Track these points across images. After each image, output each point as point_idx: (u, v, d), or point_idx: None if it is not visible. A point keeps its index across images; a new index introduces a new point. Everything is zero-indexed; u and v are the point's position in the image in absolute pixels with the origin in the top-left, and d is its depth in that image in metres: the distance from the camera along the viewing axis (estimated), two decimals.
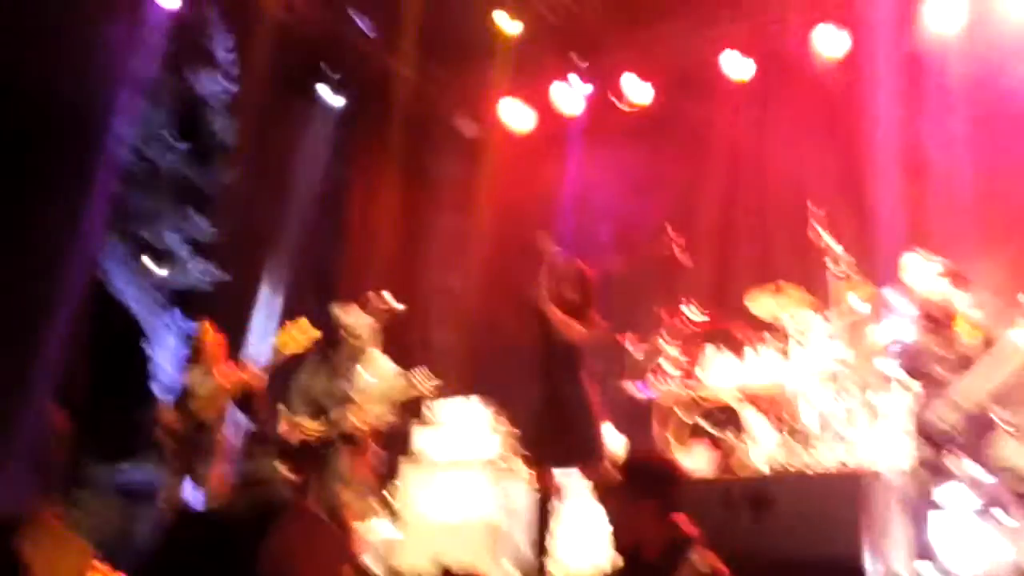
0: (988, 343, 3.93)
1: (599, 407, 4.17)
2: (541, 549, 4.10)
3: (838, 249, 5.27)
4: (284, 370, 5.26)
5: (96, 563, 3.57)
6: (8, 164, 6.54)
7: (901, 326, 4.19)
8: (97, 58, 7.04)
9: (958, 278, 4.04)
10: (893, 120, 6.08)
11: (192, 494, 5.08)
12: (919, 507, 4.48)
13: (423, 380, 4.73)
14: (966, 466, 3.92)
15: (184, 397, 5.21)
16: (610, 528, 2.64)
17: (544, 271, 4.31)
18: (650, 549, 2.41)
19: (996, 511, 4.18)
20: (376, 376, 4.73)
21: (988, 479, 3.98)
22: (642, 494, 2.46)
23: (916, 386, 4.12)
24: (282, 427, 4.75)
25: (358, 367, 4.75)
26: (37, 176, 6.87)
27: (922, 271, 4.06)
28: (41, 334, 6.58)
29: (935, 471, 4.01)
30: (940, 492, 4.06)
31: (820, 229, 5.30)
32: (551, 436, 4.01)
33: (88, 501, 5.91)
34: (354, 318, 4.86)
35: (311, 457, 4.64)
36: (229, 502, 5.42)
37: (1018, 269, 4.37)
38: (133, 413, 5.66)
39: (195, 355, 5.31)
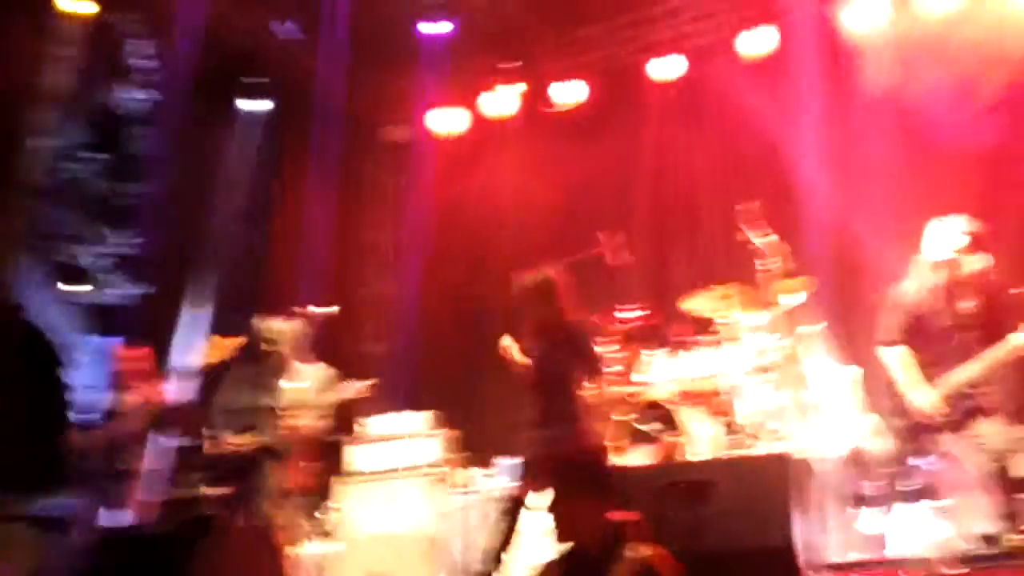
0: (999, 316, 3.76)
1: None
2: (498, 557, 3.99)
3: (769, 244, 5.28)
4: (208, 385, 5.18)
5: None
6: None
7: (911, 288, 3.94)
8: (9, 71, 6.75)
9: (981, 243, 3.87)
10: (817, 115, 6.18)
11: (111, 519, 4.85)
12: (855, 496, 4.53)
13: (352, 385, 4.68)
14: (943, 444, 3.79)
15: (100, 419, 5.04)
16: (550, 524, 2.50)
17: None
18: (588, 543, 2.40)
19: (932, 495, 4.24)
20: (301, 384, 4.61)
21: (930, 467, 3.95)
22: (577, 490, 2.41)
23: (902, 350, 3.90)
24: (207, 444, 4.63)
25: (281, 378, 4.62)
26: None
27: (943, 233, 3.89)
28: None
29: (896, 453, 3.91)
30: (877, 480, 4.05)
31: (746, 227, 5.31)
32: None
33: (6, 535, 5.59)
34: (274, 327, 4.76)
35: (237, 473, 4.52)
36: (155, 522, 5.22)
37: None
38: (48, 442, 5.36)
39: (112, 376, 5.19)
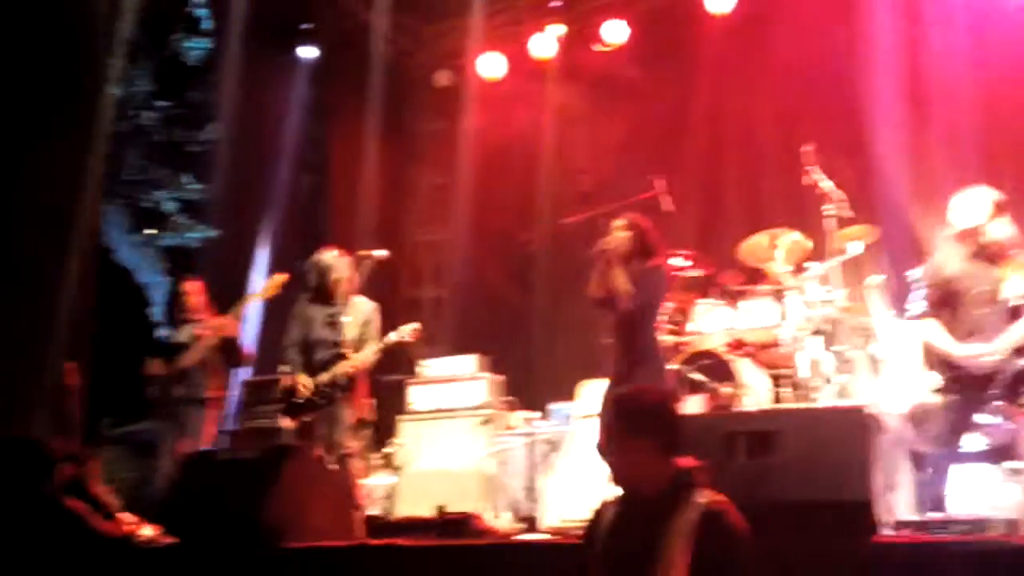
0: None
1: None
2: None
3: (833, 189, 4.71)
4: (272, 321, 5.06)
5: (124, 515, 3.41)
6: (6, 125, 6.11)
7: (941, 260, 3.65)
8: (82, 22, 6.52)
9: (1008, 210, 3.54)
10: (889, 49, 5.45)
11: (191, 446, 4.83)
12: (921, 455, 4.06)
13: (406, 330, 4.52)
14: (992, 417, 3.43)
15: (171, 351, 5.06)
16: (608, 467, 2.24)
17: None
18: (650, 486, 2.11)
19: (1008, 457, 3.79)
20: (360, 319, 4.49)
21: (1007, 423, 3.51)
22: (639, 431, 2.13)
23: (935, 321, 3.57)
24: (283, 380, 4.52)
25: (340, 312, 4.48)
26: (35, 139, 6.37)
27: (976, 205, 3.57)
28: (50, 295, 6.22)
29: (956, 411, 3.52)
30: (949, 437, 3.57)
31: (813, 169, 4.74)
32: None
33: (103, 454, 5.62)
34: (335, 261, 4.58)
35: (310, 407, 4.42)
36: (234, 450, 5.17)
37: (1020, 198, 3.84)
38: (136, 373, 5.28)
39: (179, 310, 5.18)
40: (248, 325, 6.37)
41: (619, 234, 3.89)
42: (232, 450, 4.85)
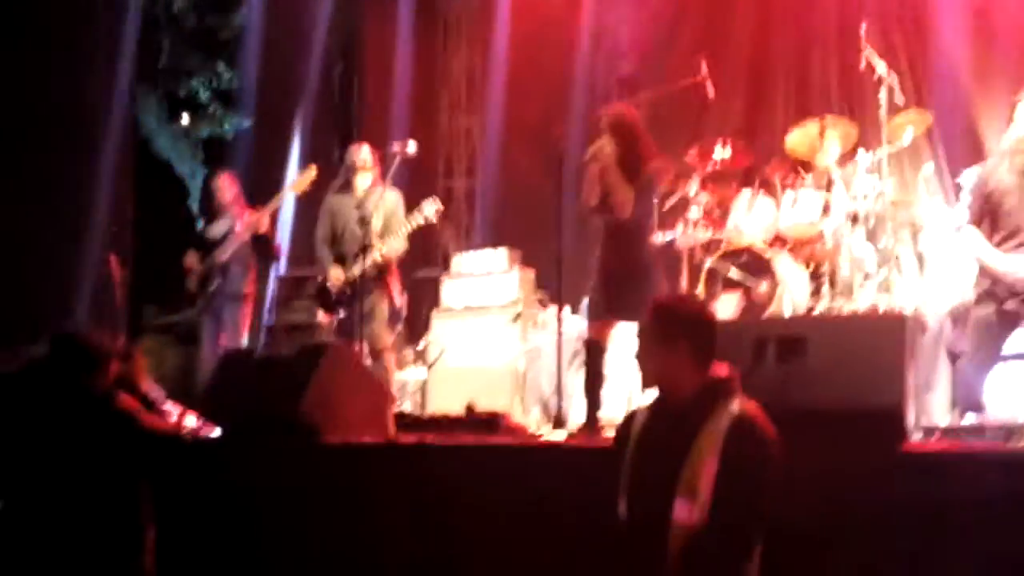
0: None
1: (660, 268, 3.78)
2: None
3: (887, 73, 4.33)
4: (310, 215, 4.97)
5: (170, 405, 3.46)
6: (37, 19, 5.96)
7: (989, 170, 3.39)
8: None
9: None
10: None
11: (230, 339, 4.95)
12: (960, 356, 3.93)
13: (429, 209, 4.43)
14: None
15: (208, 245, 5.04)
16: (639, 370, 2.20)
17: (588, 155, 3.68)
18: (682, 392, 2.09)
19: None
20: (385, 210, 4.43)
21: None
22: (673, 335, 2.09)
23: (977, 231, 3.37)
24: (318, 273, 4.53)
25: (370, 203, 4.39)
26: (64, 30, 6.23)
27: None
28: (88, 186, 6.27)
29: (990, 324, 3.36)
30: (985, 340, 3.42)
31: (870, 52, 4.34)
32: (617, 290, 3.61)
33: (146, 343, 5.80)
34: (361, 154, 4.50)
35: (344, 301, 4.42)
36: (271, 347, 5.29)
37: None
38: (176, 262, 5.37)
39: (212, 204, 5.15)
40: (282, 220, 6.38)
41: (609, 138, 3.65)
42: (269, 348, 4.93)
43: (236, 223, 4.94)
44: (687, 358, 2.06)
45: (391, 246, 4.36)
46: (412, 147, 4.43)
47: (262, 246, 4.98)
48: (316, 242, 4.56)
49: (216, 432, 3.39)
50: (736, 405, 2.02)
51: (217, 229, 5.04)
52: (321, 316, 4.55)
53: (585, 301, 5.08)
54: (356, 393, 3.36)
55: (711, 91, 4.93)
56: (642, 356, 2.14)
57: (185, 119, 9.26)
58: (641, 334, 2.18)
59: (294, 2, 6.96)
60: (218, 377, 3.57)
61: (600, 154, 3.62)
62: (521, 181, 6.44)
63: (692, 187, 4.84)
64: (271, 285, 6.25)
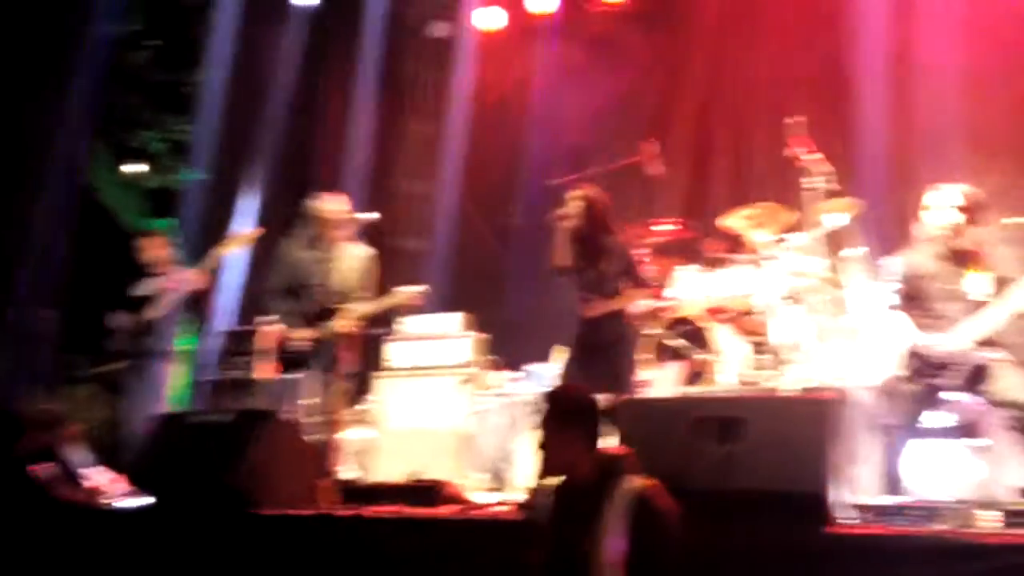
0: (1001, 285, 3.40)
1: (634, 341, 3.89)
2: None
3: (819, 162, 4.60)
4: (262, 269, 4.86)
5: (99, 473, 3.26)
6: None
7: (912, 258, 3.61)
8: None
9: (979, 211, 3.42)
10: (878, 26, 5.27)
11: (157, 399, 4.74)
12: (890, 430, 4.07)
13: (414, 291, 4.30)
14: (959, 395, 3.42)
15: (137, 303, 4.85)
16: (540, 460, 2.32)
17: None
18: (581, 475, 2.21)
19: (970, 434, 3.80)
20: (357, 266, 4.20)
21: (967, 402, 3.50)
22: (568, 423, 2.24)
23: (903, 314, 3.56)
24: (267, 330, 4.28)
25: (338, 258, 4.20)
26: (18, 76, 6.16)
27: (944, 203, 3.49)
28: (28, 235, 6.10)
29: (917, 397, 3.53)
30: (913, 415, 3.57)
31: (795, 143, 4.63)
32: (589, 360, 3.77)
33: (76, 393, 5.58)
34: (332, 206, 4.27)
35: (300, 362, 4.18)
36: (211, 408, 5.13)
37: (1006, 180, 3.76)
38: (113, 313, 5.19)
39: (145, 261, 4.94)
40: (227, 274, 6.29)
41: (575, 205, 3.79)
42: (205, 412, 4.73)
43: (165, 281, 4.80)
44: (582, 442, 2.20)
45: (361, 311, 4.14)
46: (373, 216, 4.41)
47: (195, 304, 4.86)
48: (266, 293, 4.32)
49: (146, 500, 3.27)
50: (633, 482, 2.12)
51: (146, 287, 4.90)
52: (261, 372, 4.39)
53: (533, 366, 5.17)
54: (294, 462, 3.29)
55: (655, 170, 5.14)
56: (543, 445, 2.24)
57: (134, 168, 9.17)
58: (542, 424, 2.26)
59: (256, 60, 7.04)
60: (151, 442, 3.46)
61: (566, 217, 3.76)
62: (473, 247, 6.54)
63: (640, 255, 5.00)
64: (211, 340, 6.12)
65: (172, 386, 4.86)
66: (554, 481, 2.28)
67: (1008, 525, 2.68)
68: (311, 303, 4.15)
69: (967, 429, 3.80)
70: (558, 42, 6.45)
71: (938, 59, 5.21)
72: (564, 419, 2.23)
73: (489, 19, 6.61)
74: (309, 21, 7.03)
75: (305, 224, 4.26)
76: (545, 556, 2.16)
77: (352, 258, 4.17)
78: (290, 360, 4.18)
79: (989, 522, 2.77)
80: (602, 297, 3.77)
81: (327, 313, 4.10)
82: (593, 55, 6.42)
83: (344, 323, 4.08)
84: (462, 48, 6.82)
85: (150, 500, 3.25)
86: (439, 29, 6.93)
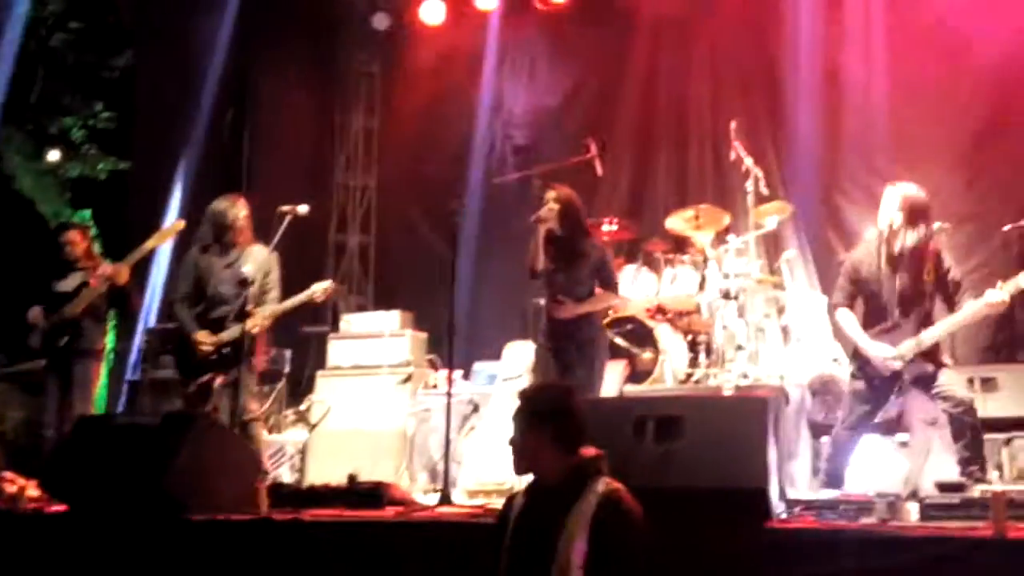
0: (942, 280, 3.52)
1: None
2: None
3: (752, 166, 4.74)
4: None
5: (7, 473, 3.15)
6: None
7: (859, 258, 3.67)
8: None
9: (918, 213, 3.53)
10: (814, 38, 5.46)
11: (78, 398, 4.48)
12: (822, 427, 4.21)
13: (318, 288, 4.14)
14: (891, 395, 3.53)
15: (57, 299, 4.57)
16: (512, 455, 2.27)
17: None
18: (551, 475, 2.18)
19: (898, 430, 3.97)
20: (261, 269, 4.06)
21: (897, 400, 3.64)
22: (539, 421, 2.20)
23: (848, 314, 3.64)
24: (190, 335, 4.08)
25: (242, 261, 4.07)
26: None
27: (892, 204, 3.56)
28: None
29: (862, 401, 3.62)
30: (854, 422, 3.69)
31: (738, 147, 4.75)
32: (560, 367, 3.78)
33: None
34: (233, 207, 4.15)
35: (209, 367, 4.02)
36: (133, 410, 4.89)
37: (929, 184, 3.92)
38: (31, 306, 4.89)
39: (65, 256, 4.63)
40: (155, 270, 6.04)
41: (550, 208, 3.83)
42: (130, 414, 4.54)
43: (88, 277, 4.53)
44: (552, 443, 2.16)
45: (266, 313, 4.04)
46: (304, 209, 4.27)
47: (121, 300, 4.59)
48: (175, 301, 4.21)
49: (59, 506, 3.09)
50: (602, 485, 2.11)
51: (67, 283, 4.60)
52: (187, 380, 4.11)
53: (478, 364, 5.14)
54: (226, 465, 3.17)
55: (599, 169, 5.19)
56: (514, 441, 2.22)
57: (53, 156, 8.73)
58: (514, 419, 2.24)
59: (185, 46, 6.72)
60: (70, 444, 3.27)
61: (545, 218, 3.79)
62: (414, 240, 6.46)
63: None
64: (137, 338, 5.86)
65: (93, 387, 4.62)
66: (525, 484, 2.26)
67: (924, 518, 2.79)
68: (217, 308, 4.07)
69: (891, 424, 3.98)
70: (501, 38, 6.40)
71: (866, 69, 5.42)
72: (535, 418, 2.19)
73: (433, 13, 6.54)
74: (242, 5, 6.77)
75: (208, 227, 4.15)
76: (508, 558, 2.12)
77: (256, 260, 4.08)
78: (203, 367, 4.04)
79: (912, 515, 2.88)
80: (575, 299, 3.79)
81: (236, 316, 4.00)
82: (537, 53, 6.43)
83: (252, 324, 3.97)
84: (404, 42, 6.71)
85: (65, 506, 3.08)
86: (381, 21, 6.79)
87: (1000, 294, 3.37)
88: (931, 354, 3.46)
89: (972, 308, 3.42)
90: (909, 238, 3.50)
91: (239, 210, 4.14)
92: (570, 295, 3.79)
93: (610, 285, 3.89)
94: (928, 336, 3.45)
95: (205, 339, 4.00)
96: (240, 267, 4.03)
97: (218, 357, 4.00)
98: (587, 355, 3.76)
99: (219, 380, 3.99)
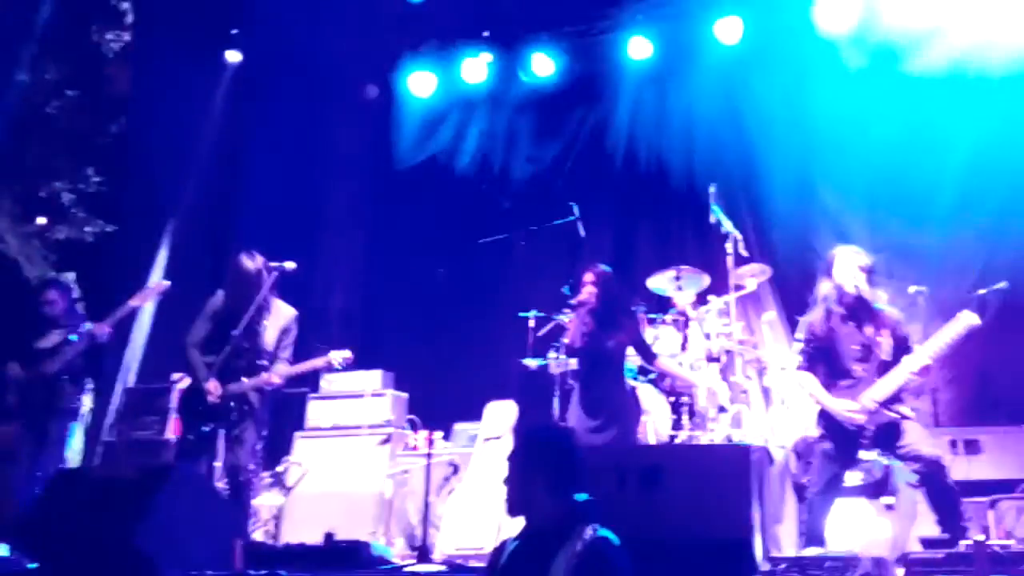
0: (899, 344, 3.59)
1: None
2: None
3: (734, 230, 4.87)
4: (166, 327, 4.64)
5: None
6: None
7: (815, 318, 3.76)
8: None
9: (872, 273, 3.67)
10: (788, 103, 5.71)
11: (52, 455, 4.44)
12: (805, 489, 4.19)
13: (337, 356, 4.17)
14: (869, 454, 3.57)
15: (35, 356, 4.55)
16: (505, 496, 2.26)
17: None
18: (542, 518, 2.16)
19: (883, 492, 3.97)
20: (280, 325, 4.11)
21: (878, 464, 3.67)
22: (532, 463, 2.18)
23: (810, 376, 3.70)
24: (183, 382, 4.15)
25: (263, 316, 4.08)
26: None
27: (847, 265, 3.67)
28: None
29: (831, 460, 3.64)
30: (826, 474, 3.69)
31: (717, 210, 4.89)
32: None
33: None
34: (257, 263, 4.17)
35: (213, 417, 3.98)
36: (113, 463, 4.78)
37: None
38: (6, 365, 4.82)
39: (45, 314, 4.65)
40: (134, 330, 5.99)
41: (590, 289, 4.13)
42: (107, 468, 4.45)
43: (67, 334, 4.54)
44: (545, 485, 2.14)
45: (280, 372, 4.02)
46: (291, 265, 4.30)
47: (99, 358, 4.62)
48: (186, 345, 4.15)
49: (30, 565, 2.98)
50: (589, 531, 2.08)
51: (46, 340, 4.60)
52: (170, 431, 4.17)
53: (458, 424, 5.10)
54: (202, 522, 3.09)
55: (582, 231, 5.31)
56: (507, 482, 2.18)
57: (40, 221, 8.77)
58: (508, 459, 2.22)
59: (178, 114, 6.90)
60: (45, 499, 3.18)
61: (587, 302, 4.13)
62: (400, 305, 6.51)
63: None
64: (116, 398, 5.77)
65: (69, 445, 4.53)
66: (518, 529, 2.23)
67: (910, 575, 2.77)
68: (230, 358, 4.04)
69: (876, 487, 3.99)
70: (487, 110, 6.64)
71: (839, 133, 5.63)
72: (528, 458, 2.17)
73: (419, 85, 6.79)
74: (236, 78, 6.99)
75: (232, 279, 4.18)
76: None
77: (275, 316, 4.10)
78: (203, 414, 4.00)
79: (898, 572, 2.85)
80: (609, 371, 4.07)
81: (248, 369, 3.98)
82: (523, 123, 6.67)
83: (266, 379, 3.96)
84: (392, 112, 6.92)
85: (38, 562, 2.98)
86: (372, 91, 7.04)
87: (974, 316, 3.46)
88: (894, 406, 3.51)
89: (952, 329, 3.46)
90: (860, 295, 3.59)
91: (261, 266, 4.17)
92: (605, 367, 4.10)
93: (647, 356, 4.36)
94: (882, 385, 3.49)
95: (214, 389, 3.96)
96: (259, 322, 4.03)
97: (224, 409, 3.96)
98: (621, 422, 4.07)
99: (221, 433, 3.95)
